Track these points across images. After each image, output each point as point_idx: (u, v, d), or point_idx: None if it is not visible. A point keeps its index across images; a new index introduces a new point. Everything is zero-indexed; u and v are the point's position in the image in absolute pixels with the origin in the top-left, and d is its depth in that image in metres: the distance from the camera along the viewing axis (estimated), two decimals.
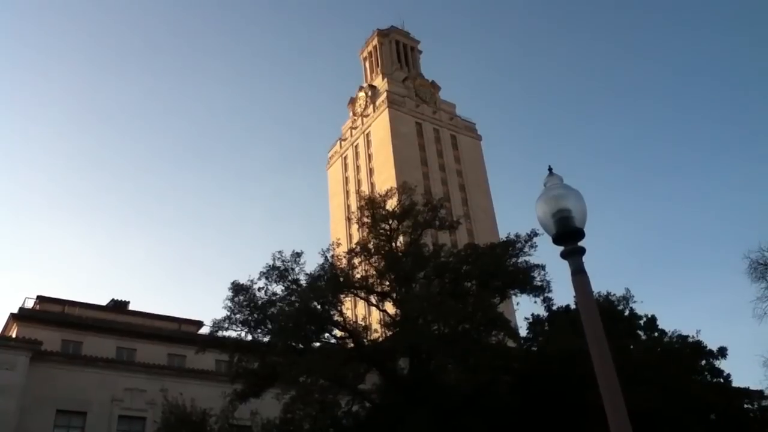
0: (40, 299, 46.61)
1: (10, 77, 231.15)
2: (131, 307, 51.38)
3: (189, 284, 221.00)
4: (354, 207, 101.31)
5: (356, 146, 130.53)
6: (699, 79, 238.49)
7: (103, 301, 51.53)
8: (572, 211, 8.61)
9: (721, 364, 33.23)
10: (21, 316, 41.87)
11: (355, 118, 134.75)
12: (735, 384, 34.39)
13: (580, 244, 8.54)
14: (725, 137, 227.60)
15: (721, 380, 33.11)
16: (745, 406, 34.81)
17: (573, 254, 8.51)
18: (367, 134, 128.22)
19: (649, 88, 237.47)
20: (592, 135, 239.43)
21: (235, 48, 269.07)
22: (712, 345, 33.42)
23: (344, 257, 31.00)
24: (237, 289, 28.81)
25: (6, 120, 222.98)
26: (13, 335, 39.23)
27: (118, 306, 50.92)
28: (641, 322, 33.28)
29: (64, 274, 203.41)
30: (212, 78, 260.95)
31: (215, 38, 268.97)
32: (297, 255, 29.52)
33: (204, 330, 43.54)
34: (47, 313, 44.41)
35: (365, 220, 31.96)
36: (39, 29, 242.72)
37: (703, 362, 32.97)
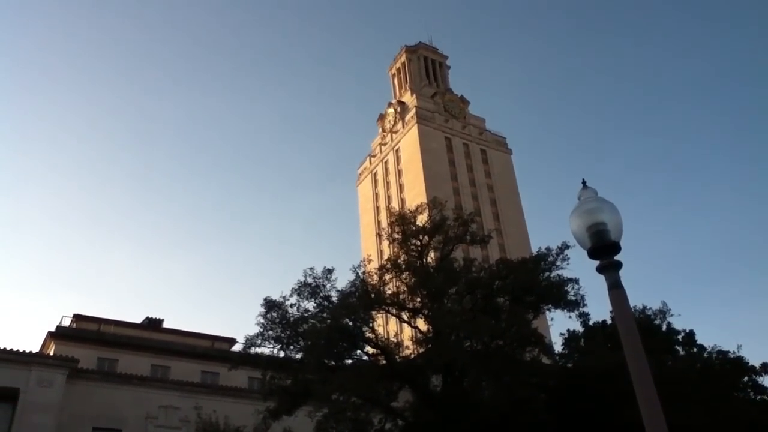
0: (77, 317, 47.40)
1: (51, 94, 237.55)
2: (165, 325, 51.99)
3: (222, 301, 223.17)
4: (384, 223, 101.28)
5: (386, 162, 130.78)
6: (739, 87, 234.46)
7: (138, 319, 52.26)
8: (607, 224, 8.45)
9: (765, 381, 32.34)
10: (58, 335, 42.62)
11: (385, 134, 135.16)
12: None
13: (616, 258, 8.37)
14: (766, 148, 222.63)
15: (765, 397, 32.20)
16: None
17: (609, 268, 8.34)
18: (397, 150, 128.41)
19: (685, 98, 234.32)
20: (626, 146, 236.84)
21: (267, 65, 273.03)
22: (755, 361, 32.58)
23: (375, 273, 30.92)
24: (269, 305, 28.92)
25: (48, 138, 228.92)
26: (51, 353, 39.91)
27: (153, 324, 51.54)
28: (679, 337, 32.58)
29: (99, 292, 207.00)
30: (244, 95, 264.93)
31: (247, 56, 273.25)
32: (328, 271, 29.54)
33: (237, 347, 43.75)
34: (83, 331, 45.14)
35: (396, 236, 31.88)
36: (78, 52, 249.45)
37: (745, 379, 32.10)
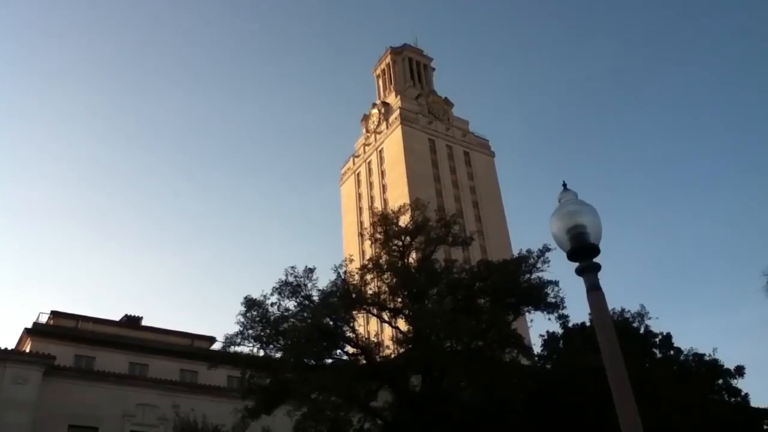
0: (54, 314, 46.86)
1: (33, 88, 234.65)
2: (144, 323, 51.58)
3: (202, 299, 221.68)
4: (367, 223, 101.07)
5: (369, 163, 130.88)
6: (722, 89, 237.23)
7: (117, 317, 51.79)
8: (587, 227, 8.52)
9: (739, 384, 32.79)
10: (35, 331, 42.11)
11: (369, 134, 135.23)
12: (753, 404, 33.89)
13: (595, 260, 8.45)
14: (748, 152, 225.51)
15: (739, 400, 32.66)
16: (765, 426, 34.25)
17: (588, 271, 8.42)
18: (380, 151, 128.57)
19: (667, 101, 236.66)
20: (607, 149, 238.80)
21: (251, 65, 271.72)
22: (729, 364, 32.99)
23: (357, 273, 30.91)
24: (250, 304, 28.77)
25: (28, 132, 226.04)
26: (27, 350, 39.43)
27: (131, 321, 51.11)
28: (656, 339, 32.92)
29: (78, 289, 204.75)
30: (228, 95, 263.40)
31: (232, 56, 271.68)
32: (309, 271, 29.48)
33: (216, 346, 43.53)
34: (61, 328, 44.66)
35: (378, 236, 31.88)
36: (68, 52, 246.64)
37: (720, 381, 32.53)
